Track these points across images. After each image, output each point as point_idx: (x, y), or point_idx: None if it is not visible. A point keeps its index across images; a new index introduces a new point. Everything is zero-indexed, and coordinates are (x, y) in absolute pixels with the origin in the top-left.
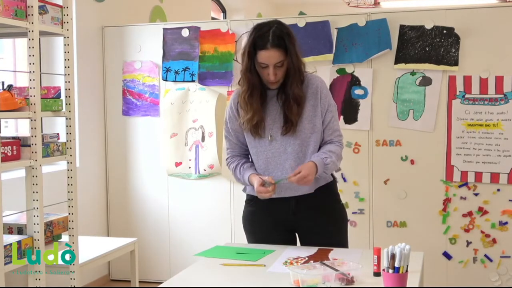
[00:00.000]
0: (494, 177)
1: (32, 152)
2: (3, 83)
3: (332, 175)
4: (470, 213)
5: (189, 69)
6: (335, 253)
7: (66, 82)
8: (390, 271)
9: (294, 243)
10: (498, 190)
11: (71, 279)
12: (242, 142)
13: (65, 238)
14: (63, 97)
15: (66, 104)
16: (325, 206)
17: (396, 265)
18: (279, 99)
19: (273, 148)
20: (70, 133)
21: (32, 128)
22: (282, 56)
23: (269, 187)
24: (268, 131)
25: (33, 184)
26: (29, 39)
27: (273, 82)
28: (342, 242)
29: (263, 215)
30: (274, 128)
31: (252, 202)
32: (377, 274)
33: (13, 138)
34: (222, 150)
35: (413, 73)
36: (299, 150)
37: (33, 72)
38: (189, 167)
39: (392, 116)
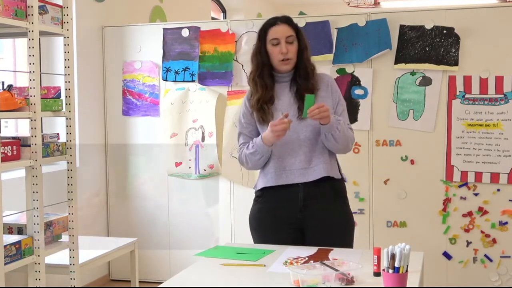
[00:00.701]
0: (494, 177)
1: (32, 152)
2: (3, 83)
3: (341, 174)
4: (470, 213)
5: (189, 69)
6: (335, 253)
7: (66, 82)
8: (390, 271)
9: (300, 243)
10: (498, 190)
11: (71, 279)
12: (255, 137)
13: (65, 238)
14: (63, 97)
15: (66, 104)
16: (333, 207)
17: (396, 265)
18: (291, 90)
19: (287, 135)
20: (70, 133)
21: (32, 128)
22: (292, 32)
23: (285, 119)
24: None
25: (33, 184)
26: (29, 39)
27: (285, 57)
28: (348, 244)
29: (270, 212)
30: (290, 116)
31: (260, 199)
32: (377, 274)
33: (13, 138)
34: (222, 150)
35: (413, 73)
36: (311, 137)
37: (33, 72)
38: (189, 167)
39: (392, 116)
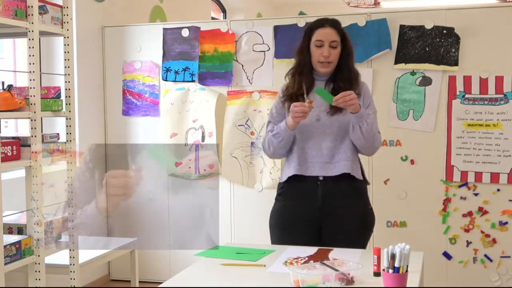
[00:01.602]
0: (494, 177)
1: (32, 152)
2: (3, 83)
3: (363, 176)
4: (470, 213)
5: (189, 69)
6: (335, 253)
7: (66, 82)
8: (390, 271)
9: (317, 242)
10: (498, 190)
11: (71, 279)
12: None
13: (65, 238)
14: (63, 97)
15: (66, 104)
16: (352, 206)
17: (396, 265)
18: (327, 87)
19: (314, 128)
20: (70, 133)
21: (32, 128)
22: (337, 37)
23: (306, 103)
24: (315, 112)
25: (33, 184)
26: (29, 39)
27: (325, 60)
28: (362, 245)
29: (290, 210)
30: (321, 111)
31: (281, 197)
32: (377, 274)
33: (13, 138)
34: (221, 150)
35: (413, 73)
36: (337, 133)
37: (33, 72)
38: (189, 167)
39: (392, 116)
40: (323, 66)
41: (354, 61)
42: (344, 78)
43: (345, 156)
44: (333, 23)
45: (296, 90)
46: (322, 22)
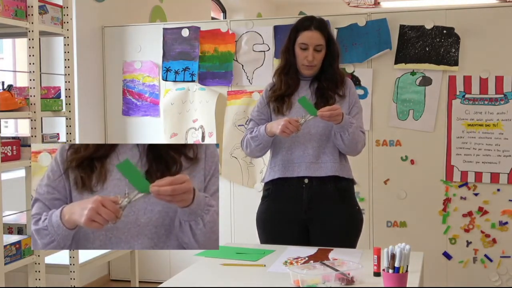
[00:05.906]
0: (494, 177)
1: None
2: (3, 83)
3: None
4: (470, 213)
5: (189, 69)
6: (335, 253)
7: (66, 82)
8: (390, 271)
9: (306, 242)
10: (498, 190)
11: (71, 279)
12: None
13: None
14: (63, 97)
15: (66, 104)
16: (338, 209)
17: (396, 265)
18: (311, 87)
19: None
20: (70, 133)
21: (32, 128)
22: (322, 40)
23: (300, 127)
24: (295, 114)
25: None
26: (29, 39)
27: (309, 64)
28: (351, 245)
29: (276, 213)
30: (306, 112)
31: (266, 199)
32: (377, 274)
33: (13, 138)
34: (222, 150)
35: (413, 73)
36: (322, 133)
37: (33, 72)
38: None
39: (392, 116)
40: (307, 69)
41: (341, 62)
42: (327, 79)
43: (332, 158)
44: (319, 26)
45: (283, 92)
46: (308, 24)
